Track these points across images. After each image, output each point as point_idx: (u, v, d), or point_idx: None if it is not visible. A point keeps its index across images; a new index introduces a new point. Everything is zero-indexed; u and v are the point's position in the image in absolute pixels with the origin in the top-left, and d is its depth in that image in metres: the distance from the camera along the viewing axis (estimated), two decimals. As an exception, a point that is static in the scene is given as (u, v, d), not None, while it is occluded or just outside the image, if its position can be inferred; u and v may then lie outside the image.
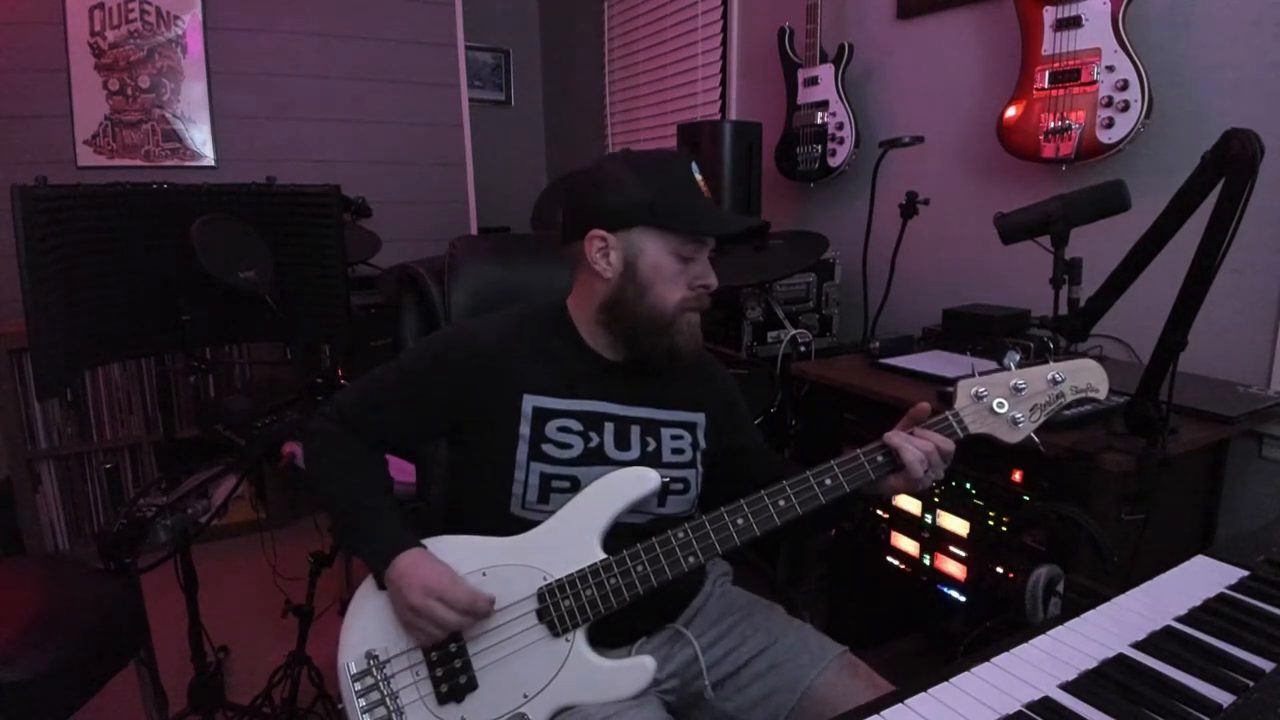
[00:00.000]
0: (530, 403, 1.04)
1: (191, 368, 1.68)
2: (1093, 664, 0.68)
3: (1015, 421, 0.97)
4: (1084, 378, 0.99)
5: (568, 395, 1.06)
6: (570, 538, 0.99)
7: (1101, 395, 1.00)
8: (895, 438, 0.94)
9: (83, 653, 1.19)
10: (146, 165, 2.92)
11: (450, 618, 0.94)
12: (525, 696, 0.95)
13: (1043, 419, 0.99)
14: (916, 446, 0.93)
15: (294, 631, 1.75)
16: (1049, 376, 0.98)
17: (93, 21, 2.77)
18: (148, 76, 2.88)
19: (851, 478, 0.95)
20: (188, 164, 2.99)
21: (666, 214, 1.02)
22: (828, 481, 0.95)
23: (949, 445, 0.95)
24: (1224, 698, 0.62)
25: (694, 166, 1.06)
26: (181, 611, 1.68)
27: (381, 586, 1.01)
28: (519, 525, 1.02)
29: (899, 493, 0.98)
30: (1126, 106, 1.63)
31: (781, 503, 0.94)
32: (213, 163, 3.03)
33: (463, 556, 1.00)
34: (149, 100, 2.90)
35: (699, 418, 1.14)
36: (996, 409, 0.97)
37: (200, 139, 3.00)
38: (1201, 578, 0.82)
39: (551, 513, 1.02)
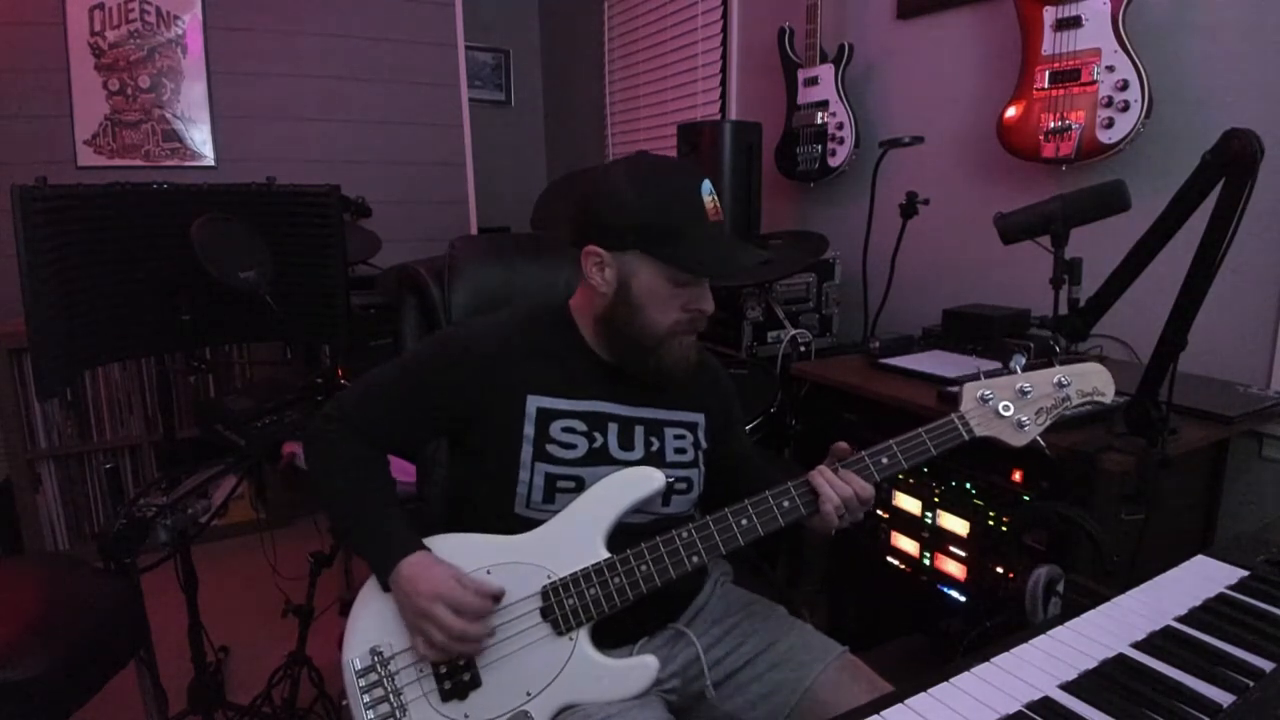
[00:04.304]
0: (534, 403, 1.04)
1: (191, 368, 1.68)
2: (1093, 664, 0.68)
3: (1021, 425, 0.97)
4: (1090, 381, 0.99)
5: (571, 396, 1.06)
6: (575, 536, 0.99)
7: (1107, 400, 1.00)
8: (817, 479, 0.95)
9: (83, 653, 1.19)
10: (146, 165, 2.92)
11: (456, 624, 0.93)
12: (528, 694, 0.96)
13: (1049, 422, 0.98)
14: (838, 493, 0.93)
15: (294, 631, 1.75)
16: (1055, 380, 0.98)
17: (93, 21, 2.77)
18: (148, 76, 2.88)
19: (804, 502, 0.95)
20: (188, 164, 2.99)
21: (662, 244, 0.98)
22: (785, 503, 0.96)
23: (868, 491, 0.95)
24: (1224, 698, 0.62)
25: (704, 188, 1.00)
26: (181, 611, 1.68)
27: (386, 588, 1.00)
28: (524, 525, 1.02)
29: (815, 532, 0.99)
30: (1126, 106, 1.63)
31: (786, 504, 0.96)
32: (213, 163, 3.03)
33: (467, 554, 1.00)
34: (149, 100, 2.90)
35: (699, 418, 1.14)
36: (1002, 412, 0.97)
37: (200, 139, 3.00)
38: (1201, 578, 0.82)
39: (557, 512, 1.02)
